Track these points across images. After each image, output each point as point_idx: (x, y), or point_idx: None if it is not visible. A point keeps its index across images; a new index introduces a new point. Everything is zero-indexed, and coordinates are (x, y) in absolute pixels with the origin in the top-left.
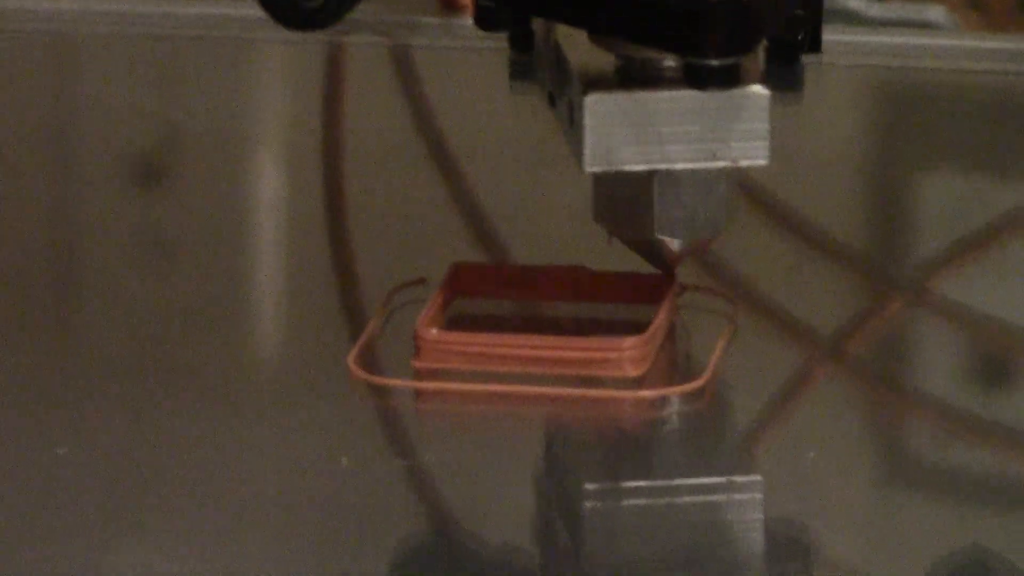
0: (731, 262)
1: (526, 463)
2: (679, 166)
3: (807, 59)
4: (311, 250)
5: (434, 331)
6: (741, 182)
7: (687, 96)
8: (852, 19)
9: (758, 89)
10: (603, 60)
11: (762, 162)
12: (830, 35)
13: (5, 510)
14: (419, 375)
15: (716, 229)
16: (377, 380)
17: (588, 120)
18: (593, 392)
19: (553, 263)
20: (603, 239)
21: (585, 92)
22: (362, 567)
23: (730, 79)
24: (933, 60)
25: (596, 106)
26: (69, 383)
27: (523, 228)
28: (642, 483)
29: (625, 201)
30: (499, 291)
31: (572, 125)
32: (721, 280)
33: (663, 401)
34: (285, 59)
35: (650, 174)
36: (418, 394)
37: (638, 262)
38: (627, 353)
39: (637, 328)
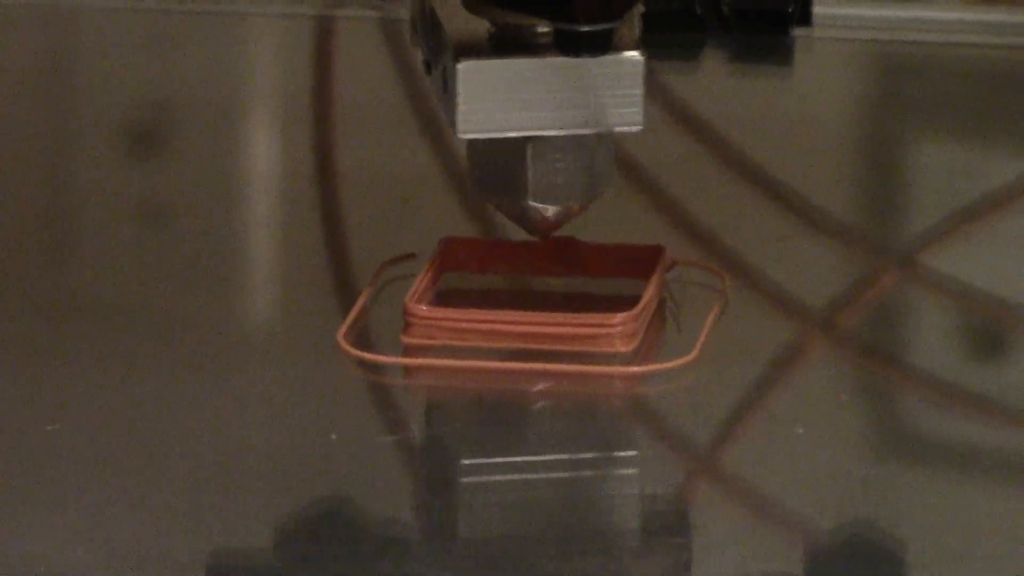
0: (722, 236)
1: (512, 440)
2: (552, 132)
3: (798, 32)
4: (301, 223)
5: (423, 307)
6: (733, 156)
7: (560, 63)
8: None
9: (632, 55)
10: (477, 27)
11: (637, 128)
12: (821, 8)
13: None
14: (408, 351)
15: (590, 196)
16: (366, 356)
17: (461, 87)
18: (583, 368)
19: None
20: (595, 211)
21: (458, 59)
22: (345, 540)
23: (601, 45)
24: (926, 33)
25: (469, 73)
26: (59, 350)
27: None
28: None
29: (499, 168)
30: (489, 265)
31: (446, 92)
32: (712, 253)
33: (653, 376)
34: (277, 32)
35: (524, 141)
36: (407, 370)
37: (627, 234)
38: (617, 329)
39: (627, 303)
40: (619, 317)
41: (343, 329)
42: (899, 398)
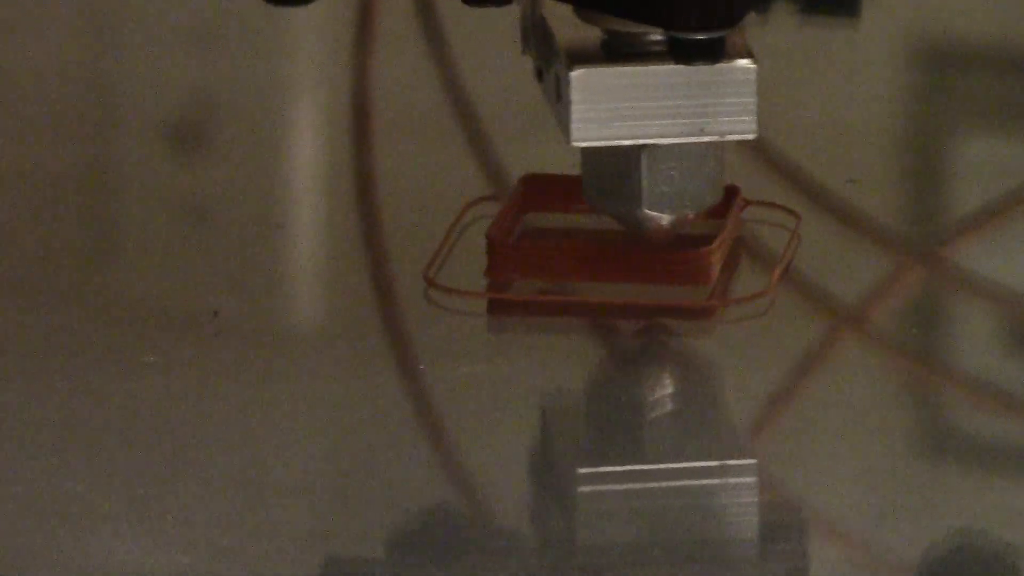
0: (794, 177)
1: (592, 373)
2: (666, 141)
3: None
4: (342, 217)
5: (506, 241)
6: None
7: (673, 70)
8: None
9: (745, 63)
10: (589, 34)
11: (750, 136)
12: None
13: (37, 470)
14: (492, 286)
15: (705, 203)
16: (452, 290)
17: (574, 94)
18: (660, 302)
19: None
20: None
21: (571, 67)
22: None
23: (715, 53)
24: None
25: (582, 80)
26: (107, 341)
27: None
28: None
29: (612, 176)
30: (569, 203)
31: (559, 100)
32: (786, 194)
33: (730, 311)
34: (317, 17)
35: (638, 149)
36: (491, 304)
37: None
38: (695, 264)
39: (704, 241)
40: (695, 253)
41: (427, 265)
42: (936, 395)
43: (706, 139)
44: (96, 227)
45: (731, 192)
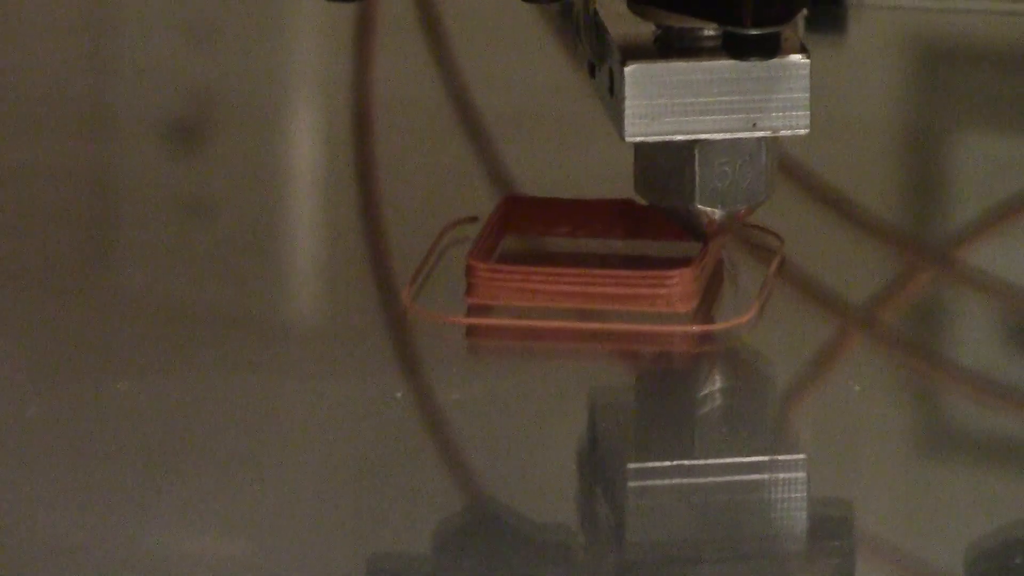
0: (774, 201)
1: (571, 401)
2: (719, 136)
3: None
4: (341, 213)
5: (484, 265)
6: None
7: (727, 66)
8: None
9: (798, 59)
10: (643, 30)
11: (803, 131)
12: None
13: (35, 469)
14: (471, 311)
15: (757, 199)
16: (431, 315)
17: (629, 90)
18: (640, 328)
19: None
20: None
21: (625, 62)
22: (405, 497)
23: (769, 49)
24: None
25: (636, 76)
26: (107, 339)
27: (554, 179)
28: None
29: (665, 171)
30: (549, 226)
31: (612, 95)
32: (767, 218)
33: (711, 335)
34: (316, 16)
35: (691, 144)
36: (470, 329)
37: None
38: (675, 288)
39: (686, 264)
40: (676, 277)
41: (406, 289)
42: (944, 395)
43: (759, 134)
44: (95, 224)
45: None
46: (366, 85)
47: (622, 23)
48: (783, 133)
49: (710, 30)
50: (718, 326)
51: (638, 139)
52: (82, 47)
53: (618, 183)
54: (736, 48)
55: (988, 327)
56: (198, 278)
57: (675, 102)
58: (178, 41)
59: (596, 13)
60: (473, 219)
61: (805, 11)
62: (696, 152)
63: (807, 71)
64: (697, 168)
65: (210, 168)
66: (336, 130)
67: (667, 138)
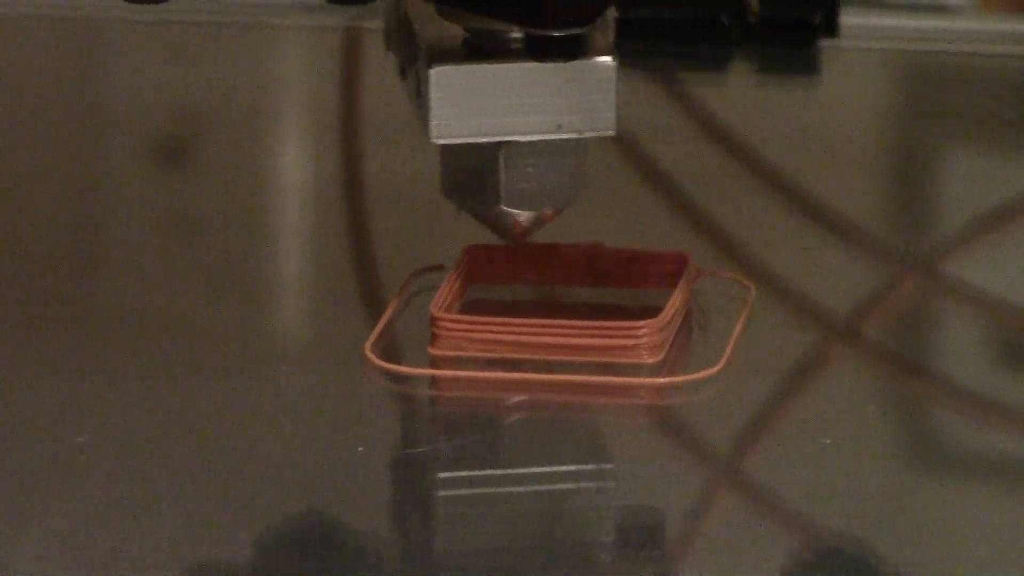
0: (747, 245)
1: (538, 452)
2: (525, 138)
3: (824, 43)
4: (329, 234)
5: (449, 318)
6: (759, 166)
7: (532, 68)
8: (871, 2)
9: (604, 60)
10: (450, 33)
11: (609, 133)
12: (848, 18)
13: (21, 479)
14: (435, 362)
15: (563, 201)
16: (394, 368)
17: (434, 92)
18: (608, 380)
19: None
20: (617, 218)
21: (431, 64)
22: (374, 548)
23: (572, 50)
24: (952, 43)
25: (442, 78)
26: (88, 361)
27: None
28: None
29: (472, 173)
30: (515, 274)
31: (420, 97)
32: (738, 264)
33: (680, 387)
34: (304, 43)
35: (496, 146)
36: (434, 381)
37: (652, 243)
38: (643, 339)
39: (654, 313)
40: (644, 328)
41: (370, 340)
42: (925, 408)
43: (564, 136)
44: (84, 239)
45: (682, 261)
46: (354, 103)
47: (430, 26)
48: (588, 134)
49: (516, 32)
50: (686, 378)
51: (444, 141)
52: (71, 65)
53: (603, 196)
54: (538, 50)
55: (974, 340)
56: (182, 294)
57: (481, 104)
58: (166, 59)
59: (406, 15)
60: (439, 267)
61: (615, 12)
62: (501, 154)
63: (613, 73)
64: (502, 170)
65: (197, 185)
66: (323, 148)
67: (473, 140)
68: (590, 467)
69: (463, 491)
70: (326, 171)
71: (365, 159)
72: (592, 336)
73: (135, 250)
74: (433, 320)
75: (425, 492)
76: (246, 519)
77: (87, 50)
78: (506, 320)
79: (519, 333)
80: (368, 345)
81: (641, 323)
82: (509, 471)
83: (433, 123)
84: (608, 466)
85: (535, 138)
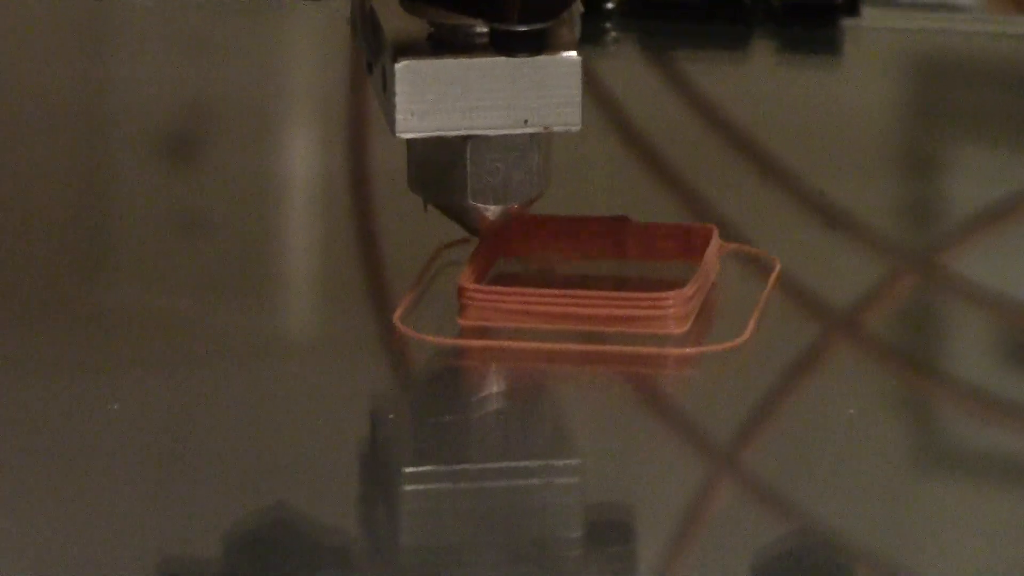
0: (768, 222)
1: (565, 422)
2: (491, 132)
3: (846, 23)
4: (337, 224)
5: (477, 288)
6: (774, 148)
7: (497, 63)
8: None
9: (569, 55)
10: (416, 27)
11: (574, 128)
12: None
13: (25, 476)
14: (464, 333)
15: (530, 195)
16: (422, 338)
17: (399, 86)
18: (635, 350)
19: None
20: (644, 199)
21: (396, 59)
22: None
23: (536, 45)
24: (976, 23)
25: (407, 72)
26: (99, 349)
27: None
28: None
29: (439, 167)
30: (542, 247)
31: (385, 91)
32: (761, 239)
33: (704, 357)
34: (310, 25)
35: (463, 140)
36: (462, 352)
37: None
38: (670, 310)
39: (680, 285)
40: (671, 299)
41: (398, 311)
42: (932, 404)
43: (530, 130)
44: (87, 236)
45: (707, 234)
46: (362, 95)
47: (396, 21)
48: (555, 129)
49: (482, 27)
50: (713, 347)
51: (410, 135)
52: (77, 59)
53: (615, 195)
54: (503, 44)
55: (978, 337)
56: (191, 291)
57: (446, 98)
58: (172, 52)
59: (372, 10)
60: (466, 240)
61: (580, 8)
62: (468, 148)
63: (578, 68)
64: (469, 165)
65: (204, 180)
66: (331, 142)
67: (439, 134)
68: (607, 440)
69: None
70: (333, 162)
71: (372, 148)
72: (619, 307)
73: (142, 245)
74: (461, 291)
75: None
76: (277, 484)
77: (95, 34)
78: (534, 291)
79: (547, 304)
80: (396, 316)
81: (668, 294)
82: (519, 441)
83: (399, 117)
84: (631, 437)
85: (501, 133)
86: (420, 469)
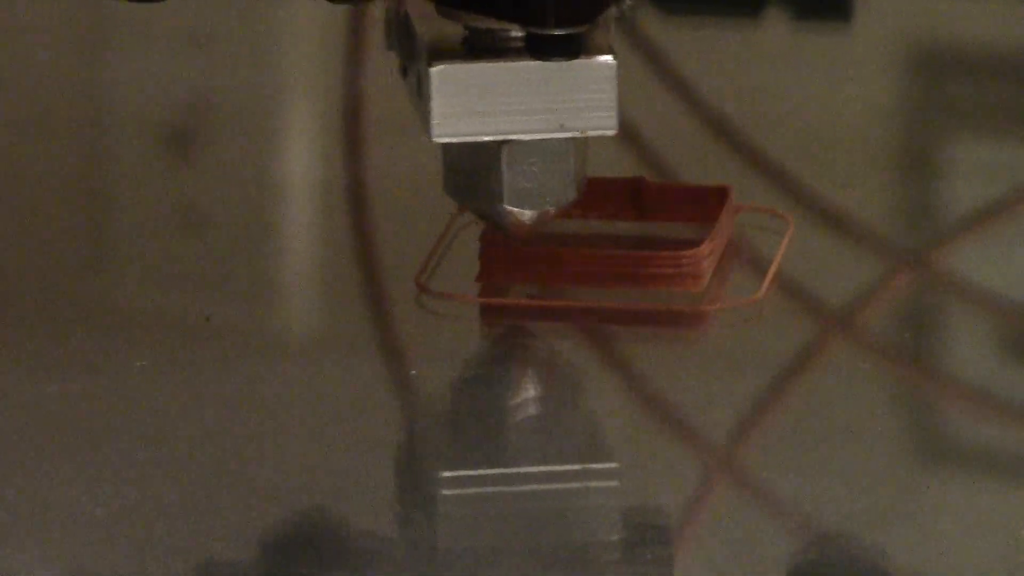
0: (784, 179)
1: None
2: (527, 136)
3: None
4: (334, 222)
5: (496, 246)
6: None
7: (533, 66)
8: None
9: (605, 59)
10: (451, 31)
11: (610, 132)
12: None
13: (29, 473)
14: (483, 291)
15: (565, 199)
16: (442, 295)
17: (435, 90)
18: (651, 306)
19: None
20: (658, 155)
21: (431, 63)
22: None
23: (573, 49)
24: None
25: (443, 76)
26: (100, 345)
27: None
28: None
29: (474, 172)
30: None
31: (420, 96)
32: (776, 196)
33: (720, 315)
34: (308, 19)
35: (498, 145)
36: (482, 309)
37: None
38: (686, 268)
39: (696, 245)
40: (687, 257)
41: (418, 271)
42: (929, 401)
43: (566, 135)
44: (89, 231)
45: (723, 194)
46: (359, 92)
47: (431, 25)
48: (591, 133)
49: (517, 31)
50: (727, 304)
51: (445, 140)
52: (76, 55)
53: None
54: (539, 49)
55: (972, 332)
56: (192, 285)
57: (482, 103)
58: (170, 49)
59: (406, 15)
60: None
61: (615, 12)
62: (503, 153)
63: (614, 72)
64: (504, 169)
65: (204, 176)
66: (329, 137)
67: (474, 139)
68: (626, 395)
69: (518, 414)
70: (330, 159)
71: (369, 146)
72: (636, 265)
73: (143, 243)
74: (482, 247)
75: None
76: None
77: (90, 30)
78: (551, 249)
79: (564, 263)
80: (417, 275)
81: (684, 252)
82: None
83: (435, 122)
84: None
85: (538, 137)
86: (456, 473)
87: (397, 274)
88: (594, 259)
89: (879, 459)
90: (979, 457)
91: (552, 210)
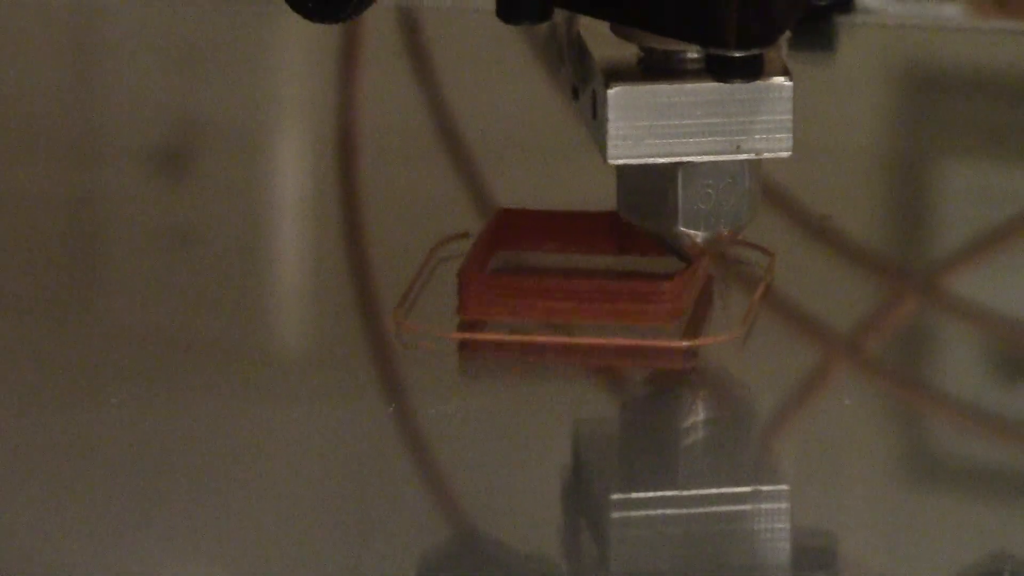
0: (766, 218)
1: (559, 423)
2: (703, 158)
3: (839, 19)
4: (326, 237)
5: (477, 278)
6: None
7: (710, 88)
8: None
9: (781, 81)
10: (626, 52)
11: (785, 154)
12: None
13: (19, 497)
14: (462, 326)
15: (740, 222)
16: (422, 330)
17: (611, 112)
18: (630, 343)
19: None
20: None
21: (608, 84)
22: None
23: (753, 71)
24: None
25: (619, 98)
26: (91, 363)
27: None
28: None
29: (649, 194)
30: (540, 241)
31: (595, 118)
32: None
33: (697, 350)
34: (299, 36)
35: (674, 166)
36: (461, 345)
37: None
38: (665, 303)
39: (674, 278)
40: (665, 290)
41: (397, 307)
42: (928, 422)
43: (742, 157)
44: (79, 250)
45: None
46: (351, 108)
47: (605, 45)
48: (766, 156)
49: (693, 52)
50: (706, 340)
51: (621, 161)
52: (67, 73)
53: (604, 204)
54: (719, 70)
55: (973, 355)
56: (184, 303)
57: (658, 124)
58: (162, 66)
59: (579, 35)
60: (464, 235)
61: (788, 33)
62: (679, 174)
63: (790, 93)
64: (680, 190)
65: (195, 193)
66: (321, 153)
67: (650, 160)
68: (609, 440)
69: (484, 462)
70: (322, 174)
71: (362, 161)
72: (614, 299)
73: (135, 259)
74: (461, 280)
75: (449, 461)
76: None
77: (85, 41)
78: (530, 282)
79: (543, 296)
80: (395, 311)
81: (662, 285)
82: (532, 441)
83: (611, 144)
84: (629, 435)
85: (713, 159)
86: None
87: (389, 292)
88: (570, 292)
89: (880, 481)
90: (975, 475)
91: (726, 232)
